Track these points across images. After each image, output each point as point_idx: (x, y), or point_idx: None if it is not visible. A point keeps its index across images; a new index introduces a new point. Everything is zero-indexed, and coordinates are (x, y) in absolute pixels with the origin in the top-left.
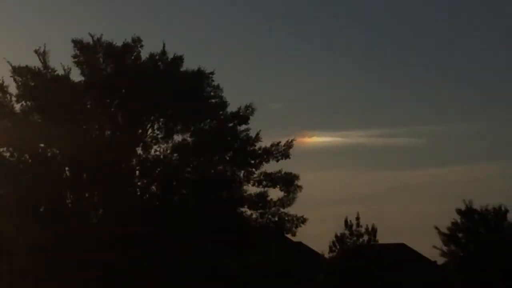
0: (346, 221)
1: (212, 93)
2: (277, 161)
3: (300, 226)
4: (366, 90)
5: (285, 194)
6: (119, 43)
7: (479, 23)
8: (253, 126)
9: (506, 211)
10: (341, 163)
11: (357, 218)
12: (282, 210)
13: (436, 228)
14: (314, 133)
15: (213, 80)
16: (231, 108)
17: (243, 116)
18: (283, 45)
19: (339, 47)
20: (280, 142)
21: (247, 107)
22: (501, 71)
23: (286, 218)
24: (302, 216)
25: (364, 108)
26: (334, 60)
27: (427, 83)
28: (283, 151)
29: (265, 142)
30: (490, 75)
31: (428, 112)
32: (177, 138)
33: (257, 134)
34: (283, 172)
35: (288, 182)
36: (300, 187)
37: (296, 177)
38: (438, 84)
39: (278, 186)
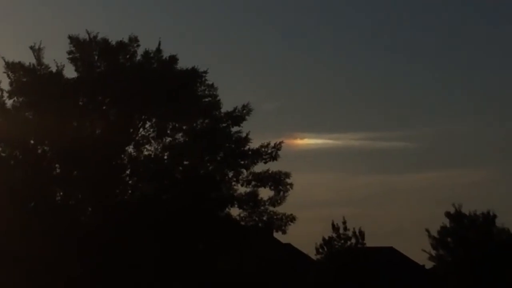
0: (333, 224)
1: (206, 92)
2: (265, 162)
3: (290, 224)
4: (358, 93)
5: (275, 193)
6: (119, 40)
7: (468, 25)
8: (245, 127)
9: (495, 216)
10: (332, 165)
11: (344, 222)
12: (271, 209)
13: (427, 231)
14: (305, 135)
15: (206, 79)
16: (226, 108)
17: (238, 116)
18: (277, 47)
19: (332, 50)
20: (269, 143)
21: (244, 107)
22: (492, 74)
23: (275, 217)
24: (291, 214)
25: (356, 111)
26: (326, 63)
27: (418, 86)
28: (271, 153)
29: (256, 144)
30: (481, 79)
31: (419, 116)
32: (169, 137)
33: (247, 135)
34: (272, 171)
35: (278, 180)
36: (291, 184)
37: (286, 174)
38: (429, 88)
39: (268, 185)
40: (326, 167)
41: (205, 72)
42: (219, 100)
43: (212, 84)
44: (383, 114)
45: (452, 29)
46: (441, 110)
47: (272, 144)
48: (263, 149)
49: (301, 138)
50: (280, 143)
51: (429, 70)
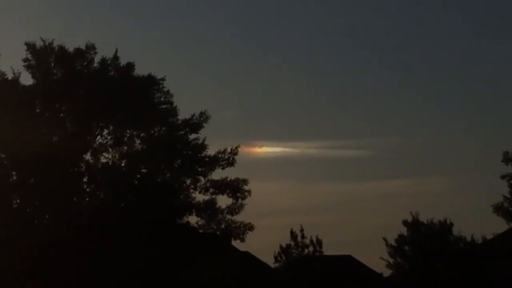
0: (291, 232)
1: (163, 99)
2: (223, 168)
3: (248, 233)
4: (316, 102)
5: (234, 201)
6: (76, 47)
7: (428, 34)
8: (203, 135)
9: (451, 224)
10: (290, 173)
11: (301, 230)
12: (229, 217)
13: (384, 239)
14: (264, 143)
15: (163, 86)
16: (184, 115)
17: (196, 123)
18: (236, 55)
19: (289, 59)
20: (226, 149)
21: (201, 114)
22: (449, 84)
23: (234, 225)
24: (250, 223)
25: (313, 119)
26: (284, 71)
27: (376, 95)
28: (228, 159)
29: (214, 151)
30: (439, 88)
31: (377, 125)
32: (127, 145)
33: (203, 141)
34: (230, 179)
35: (236, 187)
36: (249, 192)
37: (244, 181)
38: (387, 97)
39: (226, 193)
40: (284, 175)
41: (163, 79)
42: (176, 107)
43: (168, 91)
44: (340, 122)
45: (408, 38)
46: (398, 119)
47: (229, 149)
48: (220, 155)
49: (260, 146)
50: (237, 147)
51: (384, 80)
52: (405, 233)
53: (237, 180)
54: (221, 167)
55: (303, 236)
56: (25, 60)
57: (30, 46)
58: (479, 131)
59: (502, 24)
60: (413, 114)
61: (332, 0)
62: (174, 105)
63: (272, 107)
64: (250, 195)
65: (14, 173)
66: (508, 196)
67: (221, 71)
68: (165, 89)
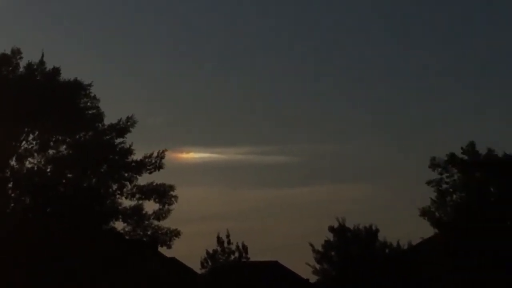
0: (218, 238)
1: (89, 104)
2: (150, 173)
3: (175, 239)
4: (242, 108)
5: (160, 207)
6: (1, 52)
7: (359, 42)
8: (130, 140)
9: (377, 230)
10: (217, 179)
11: (228, 236)
12: (156, 223)
13: (311, 245)
14: (191, 149)
15: (90, 92)
16: (110, 120)
17: (122, 128)
18: (164, 60)
19: (217, 65)
20: (152, 153)
21: (128, 119)
22: (375, 91)
23: (160, 232)
24: (176, 229)
25: (241, 125)
26: (212, 77)
27: (303, 102)
28: (155, 163)
29: (141, 156)
30: (365, 95)
31: (304, 131)
32: (53, 150)
33: (130, 146)
34: (156, 184)
35: (162, 193)
36: (175, 197)
37: (171, 187)
38: (312, 104)
39: (152, 198)
40: (211, 181)
41: (89, 85)
42: (102, 112)
43: (95, 96)
44: (267, 129)
45: (338, 43)
46: (323, 126)
47: (155, 154)
48: (147, 160)
49: (187, 152)
50: (164, 151)
51: (311, 87)
52: (332, 239)
53: (163, 185)
54: (148, 171)
55: (229, 242)
56: None
57: None
58: (406, 137)
59: (422, 31)
60: (340, 121)
61: (251, 4)
62: (101, 110)
63: (200, 113)
64: (176, 201)
65: None
66: (436, 200)
67: (149, 76)
68: (92, 95)
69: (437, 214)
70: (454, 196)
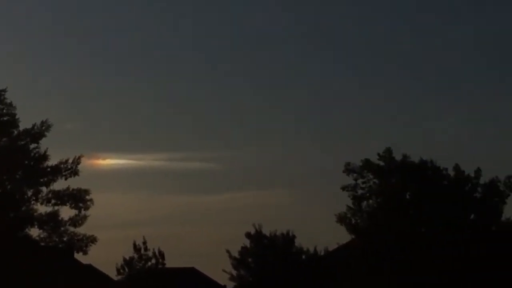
0: (134, 245)
1: (5, 111)
2: (66, 179)
3: (91, 245)
4: (162, 114)
5: (77, 213)
6: None
7: (277, 56)
8: (46, 145)
9: (294, 237)
10: (134, 186)
11: (144, 242)
12: (72, 229)
13: (228, 251)
14: (108, 155)
15: (5, 98)
16: (25, 125)
17: (37, 133)
18: (82, 66)
19: (135, 69)
20: (68, 159)
21: (42, 123)
22: (292, 98)
23: (77, 238)
24: (93, 235)
25: (159, 131)
26: (129, 84)
27: (222, 109)
28: (71, 168)
29: (56, 161)
30: (283, 102)
31: (223, 138)
32: None
33: (45, 152)
34: (72, 189)
35: (78, 198)
36: (91, 201)
37: (86, 192)
38: (233, 110)
39: (68, 204)
40: (129, 187)
41: (4, 90)
42: (17, 118)
43: (11, 102)
44: (186, 135)
45: (262, 51)
46: (242, 132)
47: (71, 160)
48: (62, 165)
49: (103, 158)
50: (80, 157)
51: (231, 94)
52: (248, 246)
53: (79, 190)
54: (64, 177)
55: (146, 249)
56: None
57: None
58: (324, 143)
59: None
60: (259, 127)
61: (181, 11)
62: (16, 116)
63: (118, 119)
64: (93, 204)
65: None
66: (352, 206)
67: (66, 82)
68: (8, 101)
69: (353, 220)
70: (370, 201)
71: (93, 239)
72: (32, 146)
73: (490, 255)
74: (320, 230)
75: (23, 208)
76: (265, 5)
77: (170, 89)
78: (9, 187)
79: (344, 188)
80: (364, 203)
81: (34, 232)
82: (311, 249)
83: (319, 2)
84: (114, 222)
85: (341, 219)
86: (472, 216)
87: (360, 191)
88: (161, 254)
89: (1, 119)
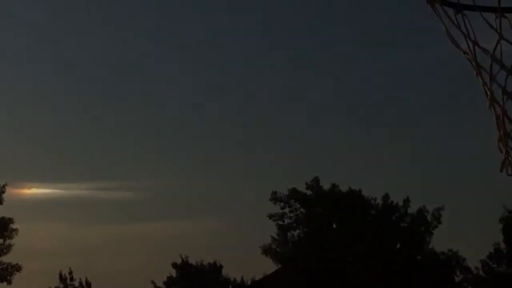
0: (60, 275)
1: None
2: None
3: (15, 274)
4: (87, 144)
5: (1, 242)
6: None
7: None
8: None
9: (221, 266)
10: (61, 215)
11: (70, 273)
12: None
13: (153, 282)
14: (33, 184)
15: None
16: None
17: None
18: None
19: (59, 97)
20: None
21: None
22: (225, 127)
23: (1, 267)
24: (17, 264)
25: (85, 161)
26: (55, 112)
27: (148, 137)
28: None
29: None
30: (214, 130)
31: (152, 166)
32: None
33: None
34: None
35: (3, 227)
36: (15, 230)
37: (10, 220)
38: (161, 138)
39: None
40: (55, 217)
41: None
42: None
43: None
44: (114, 164)
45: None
46: (172, 160)
47: None
48: None
49: (28, 188)
50: (4, 186)
51: (159, 122)
52: (174, 275)
53: (3, 219)
54: None
55: (72, 279)
56: None
57: None
58: (252, 172)
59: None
60: (190, 156)
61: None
62: None
63: (44, 149)
64: (17, 234)
65: None
66: (276, 237)
67: None
68: None
69: (278, 250)
70: (298, 230)
71: (17, 268)
72: None
73: (414, 283)
74: (247, 259)
75: None
76: None
77: (94, 118)
78: None
79: (270, 216)
80: (290, 233)
81: None
82: (238, 279)
83: None
84: (39, 252)
85: (266, 250)
86: (398, 245)
87: (287, 220)
88: (88, 284)
89: None
